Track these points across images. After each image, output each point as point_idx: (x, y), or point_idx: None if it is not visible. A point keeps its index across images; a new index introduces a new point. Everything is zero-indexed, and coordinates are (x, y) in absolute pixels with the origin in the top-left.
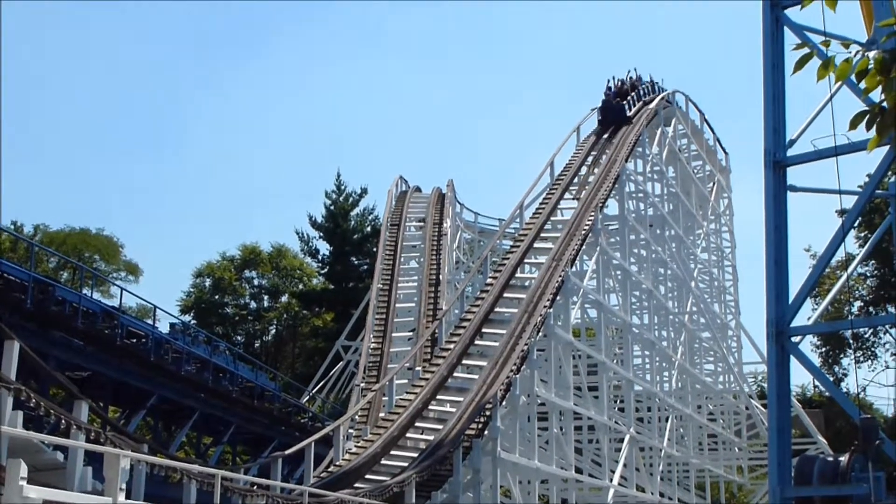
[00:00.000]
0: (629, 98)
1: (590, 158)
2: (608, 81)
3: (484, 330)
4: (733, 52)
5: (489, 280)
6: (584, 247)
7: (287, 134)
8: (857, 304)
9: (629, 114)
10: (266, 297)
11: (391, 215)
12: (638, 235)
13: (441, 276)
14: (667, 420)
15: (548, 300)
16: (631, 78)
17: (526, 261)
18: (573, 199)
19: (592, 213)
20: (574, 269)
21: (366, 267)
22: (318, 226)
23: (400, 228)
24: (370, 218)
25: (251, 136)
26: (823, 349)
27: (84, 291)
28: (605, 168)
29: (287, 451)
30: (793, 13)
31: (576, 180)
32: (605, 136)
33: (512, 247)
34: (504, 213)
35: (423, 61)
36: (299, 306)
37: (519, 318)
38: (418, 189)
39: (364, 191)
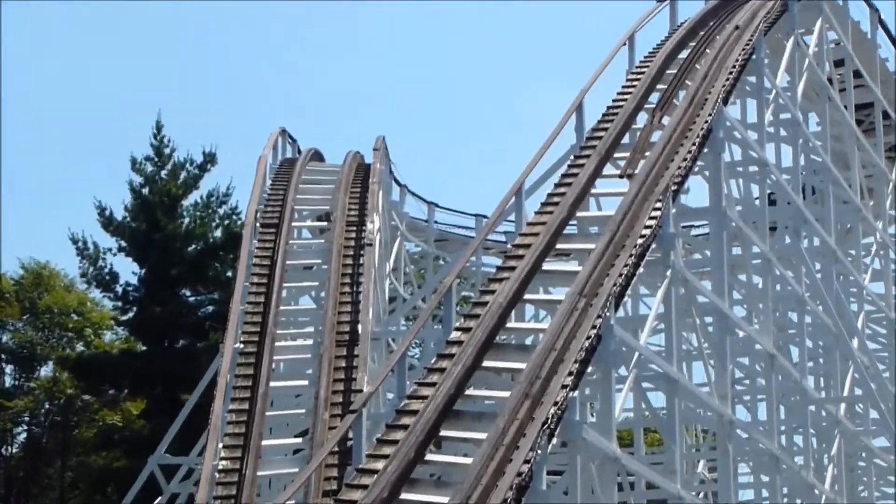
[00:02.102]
0: None
1: (654, 96)
2: None
3: (445, 433)
4: None
5: (456, 334)
6: (640, 269)
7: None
8: None
9: None
10: (10, 368)
11: (265, 206)
12: (748, 248)
13: (361, 328)
14: None
15: (570, 374)
16: None
17: (527, 296)
18: (620, 176)
19: (658, 204)
20: (622, 313)
21: (211, 308)
22: (118, 227)
23: (281, 231)
24: (222, 211)
25: None
26: None
27: None
28: (684, 116)
29: None
30: None
31: (626, 140)
32: (685, 51)
33: (501, 269)
34: (485, 204)
35: None
36: (76, 385)
37: (513, 407)
38: (318, 155)
39: (210, 158)
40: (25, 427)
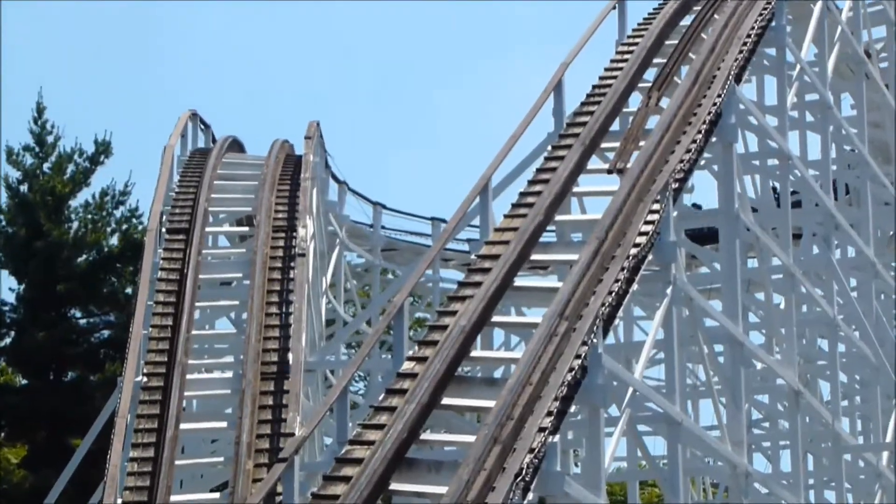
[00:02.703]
0: None
1: (650, 73)
2: None
3: (395, 486)
4: None
5: (409, 365)
6: (634, 286)
7: None
8: None
9: None
10: None
11: (172, 207)
12: (766, 260)
13: (293, 357)
14: None
15: (548, 414)
16: None
17: (496, 319)
18: (609, 171)
19: (656, 206)
20: (612, 339)
21: (107, 333)
22: None
23: (192, 239)
24: (119, 213)
25: None
26: None
27: None
28: (687, 97)
29: None
30: None
31: (615, 126)
32: (688, 17)
33: (463, 285)
34: (443, 205)
35: None
36: None
37: (479, 455)
38: (237, 145)
39: (104, 147)
40: None
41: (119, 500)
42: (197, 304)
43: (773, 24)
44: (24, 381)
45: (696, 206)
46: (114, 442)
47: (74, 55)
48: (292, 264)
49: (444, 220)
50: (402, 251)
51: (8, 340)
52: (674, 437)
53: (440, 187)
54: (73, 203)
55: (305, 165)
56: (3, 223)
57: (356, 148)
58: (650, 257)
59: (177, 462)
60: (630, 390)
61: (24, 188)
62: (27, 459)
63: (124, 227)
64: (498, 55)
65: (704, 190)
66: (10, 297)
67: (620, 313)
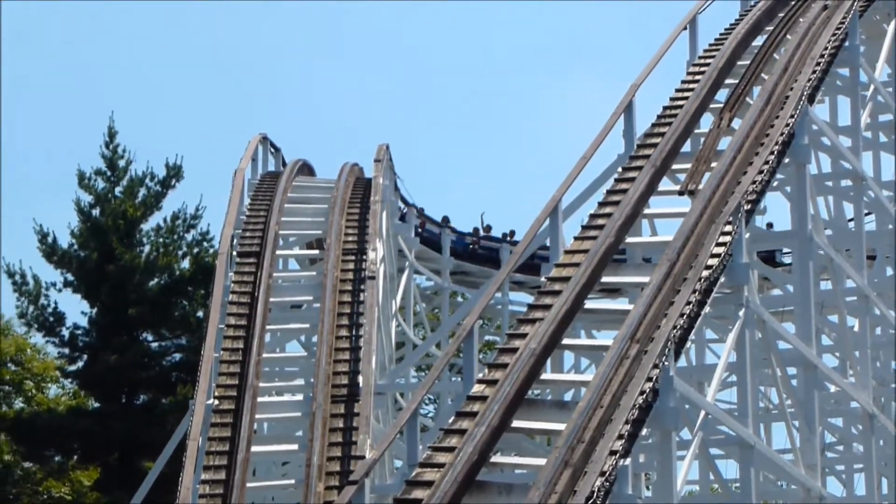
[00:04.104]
0: None
1: (721, 94)
2: None
3: None
4: None
5: (479, 388)
6: (706, 308)
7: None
8: None
9: None
10: None
11: (243, 231)
12: (840, 282)
13: (363, 380)
14: None
15: (619, 437)
16: None
17: (566, 341)
18: (680, 192)
19: (728, 228)
20: (684, 362)
21: (178, 356)
22: (63, 257)
23: (263, 262)
24: (190, 237)
25: None
26: None
27: None
28: (759, 117)
29: None
30: None
31: (686, 147)
32: (760, 37)
33: (533, 308)
34: (513, 227)
35: None
36: (15, 450)
37: (550, 478)
38: (307, 168)
39: (175, 171)
40: None
41: None
42: (268, 327)
43: (847, 43)
44: (97, 405)
45: (769, 226)
46: (185, 464)
47: (145, 79)
48: (362, 287)
49: (513, 243)
50: (472, 274)
51: (80, 364)
52: (746, 461)
53: (509, 209)
54: (145, 227)
55: (375, 188)
56: (76, 247)
57: (424, 169)
58: (722, 279)
59: (248, 484)
60: (702, 413)
61: (95, 212)
62: (100, 482)
63: (195, 250)
64: (562, 75)
65: (777, 211)
66: (83, 321)
67: (692, 336)
